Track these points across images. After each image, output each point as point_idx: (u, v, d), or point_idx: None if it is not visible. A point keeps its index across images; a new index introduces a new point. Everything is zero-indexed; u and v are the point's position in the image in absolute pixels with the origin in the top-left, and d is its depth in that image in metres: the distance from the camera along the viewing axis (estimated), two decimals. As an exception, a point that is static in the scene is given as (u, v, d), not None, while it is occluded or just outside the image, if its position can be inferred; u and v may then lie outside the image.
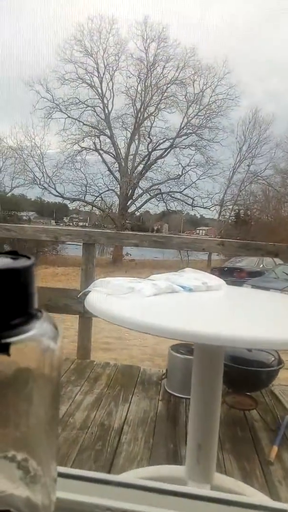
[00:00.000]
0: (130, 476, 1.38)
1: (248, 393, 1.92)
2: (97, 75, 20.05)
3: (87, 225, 24.68)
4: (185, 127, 20.59)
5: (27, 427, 0.21)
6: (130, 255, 18.77)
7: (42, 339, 0.20)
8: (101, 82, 20.14)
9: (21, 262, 0.20)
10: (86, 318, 2.46)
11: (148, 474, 1.39)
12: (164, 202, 22.18)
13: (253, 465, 1.57)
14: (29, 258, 0.21)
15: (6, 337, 0.18)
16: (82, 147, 20.59)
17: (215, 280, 1.38)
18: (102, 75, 20.04)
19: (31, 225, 23.37)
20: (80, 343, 2.52)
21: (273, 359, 1.85)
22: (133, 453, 1.58)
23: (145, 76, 20.10)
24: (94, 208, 22.55)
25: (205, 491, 0.29)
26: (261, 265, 10.72)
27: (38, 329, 0.20)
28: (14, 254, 0.22)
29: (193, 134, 20.68)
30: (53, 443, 0.24)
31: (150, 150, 20.90)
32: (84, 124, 20.40)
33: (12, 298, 0.18)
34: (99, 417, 1.83)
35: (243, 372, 1.74)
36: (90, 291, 1.24)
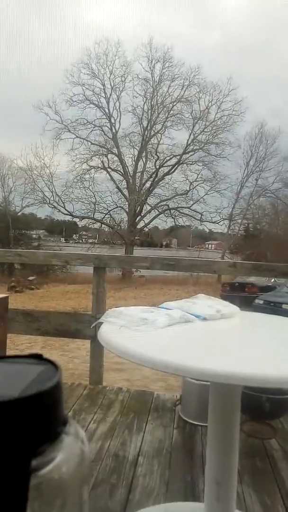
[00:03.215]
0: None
1: (266, 421, 1.86)
2: (104, 96, 20.55)
3: (96, 242, 24.82)
4: (191, 144, 20.82)
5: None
6: (140, 271, 18.74)
7: (69, 460, 0.19)
8: (108, 103, 20.61)
9: (47, 376, 0.19)
10: (98, 342, 2.44)
11: None
12: (172, 217, 22.26)
13: (274, 499, 1.50)
14: (54, 365, 0.20)
15: (34, 469, 0.17)
16: (91, 166, 20.92)
17: (228, 308, 1.36)
18: (109, 96, 20.53)
19: (40, 242, 23.50)
20: (92, 368, 2.48)
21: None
22: (149, 487, 1.53)
23: (151, 95, 20.52)
24: (103, 225, 22.71)
25: None
26: (273, 280, 10.58)
27: (65, 449, 0.18)
28: (37, 358, 0.21)
29: (200, 150, 20.88)
30: None
31: (157, 167, 21.13)
32: (92, 144, 20.80)
33: (39, 423, 0.17)
34: (113, 448, 1.79)
35: (261, 400, 1.69)
36: (102, 322, 1.23)
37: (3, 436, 0.16)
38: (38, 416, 0.17)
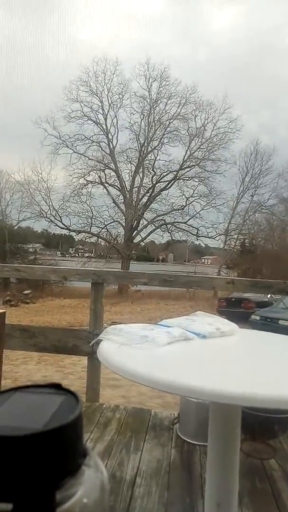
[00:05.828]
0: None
1: (266, 441, 1.84)
2: (102, 113, 20.88)
3: (92, 256, 24.79)
4: (188, 160, 21.10)
5: None
6: (136, 286, 18.68)
7: (90, 493, 0.19)
8: (105, 119, 20.93)
9: (68, 408, 0.19)
10: (95, 359, 2.42)
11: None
12: (169, 232, 22.36)
13: (275, 522, 1.47)
14: (75, 396, 0.20)
15: (56, 504, 0.17)
16: (88, 181, 21.08)
17: (228, 325, 1.36)
18: (106, 113, 20.86)
19: (37, 256, 23.42)
20: (89, 385, 2.45)
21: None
22: (148, 509, 1.50)
23: (148, 112, 20.88)
24: (99, 239, 22.73)
25: None
26: (269, 295, 10.58)
27: (86, 482, 0.19)
28: (56, 388, 0.21)
29: (196, 166, 21.14)
30: None
31: (154, 182, 21.33)
32: (89, 159, 21.01)
33: (61, 456, 0.18)
34: (111, 468, 1.76)
35: (260, 419, 1.67)
36: (102, 339, 1.22)
37: (28, 469, 0.17)
38: (61, 449, 0.18)
